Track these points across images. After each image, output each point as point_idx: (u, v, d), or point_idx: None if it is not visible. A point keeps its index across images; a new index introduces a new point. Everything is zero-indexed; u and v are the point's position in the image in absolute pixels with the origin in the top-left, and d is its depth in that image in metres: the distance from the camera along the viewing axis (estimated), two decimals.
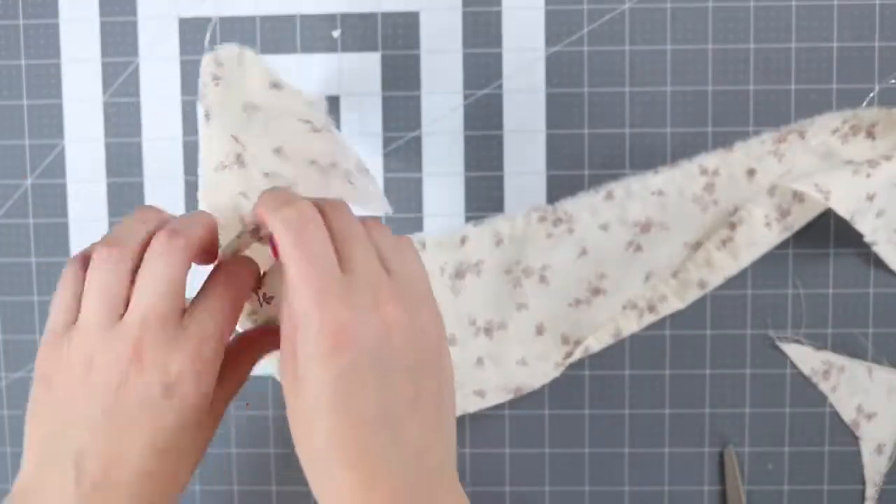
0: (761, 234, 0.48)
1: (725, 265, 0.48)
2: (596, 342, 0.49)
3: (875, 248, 0.47)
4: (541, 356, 0.49)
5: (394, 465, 0.29)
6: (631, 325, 0.49)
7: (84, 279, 0.31)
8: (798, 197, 0.47)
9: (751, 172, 0.48)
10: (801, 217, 0.48)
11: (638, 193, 0.48)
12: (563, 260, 0.48)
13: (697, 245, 0.49)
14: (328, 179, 0.38)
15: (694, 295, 0.49)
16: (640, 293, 0.49)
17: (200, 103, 0.37)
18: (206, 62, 0.38)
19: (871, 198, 0.46)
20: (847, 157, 0.48)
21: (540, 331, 0.49)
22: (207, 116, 0.36)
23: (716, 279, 0.48)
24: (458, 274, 0.48)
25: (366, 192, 0.40)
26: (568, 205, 0.48)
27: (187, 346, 0.30)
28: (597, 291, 0.48)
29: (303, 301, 0.28)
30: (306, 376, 0.28)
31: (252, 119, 0.38)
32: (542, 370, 0.49)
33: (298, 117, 0.39)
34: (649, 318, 0.49)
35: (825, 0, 0.48)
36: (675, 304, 0.49)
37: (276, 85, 0.39)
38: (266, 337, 0.35)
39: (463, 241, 0.48)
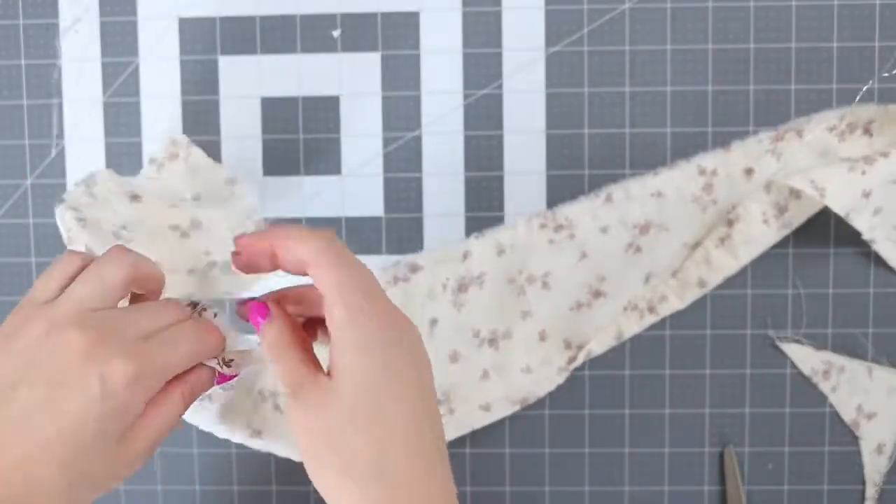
0: (759, 230, 0.48)
1: (724, 263, 0.48)
2: (598, 345, 0.49)
3: (874, 246, 0.47)
4: (544, 362, 0.49)
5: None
6: (632, 326, 0.49)
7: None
8: (795, 193, 0.47)
9: (749, 172, 0.48)
10: (799, 214, 0.48)
11: (637, 195, 0.48)
12: (564, 265, 0.48)
13: (697, 245, 0.49)
14: (211, 282, 0.40)
15: (694, 294, 0.49)
16: (641, 294, 0.48)
17: (73, 247, 0.38)
18: (61, 213, 0.38)
19: (866, 195, 0.46)
20: (845, 155, 0.48)
21: (543, 337, 0.49)
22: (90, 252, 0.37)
23: (715, 278, 0.48)
24: (461, 288, 0.48)
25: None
26: (568, 210, 0.48)
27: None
28: (597, 294, 0.48)
29: (357, 302, 0.30)
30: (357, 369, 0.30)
31: (138, 233, 0.38)
32: (545, 376, 0.49)
33: (167, 224, 0.40)
34: (650, 319, 0.49)
35: (825, 0, 0.48)
36: (675, 304, 0.49)
37: (135, 197, 0.40)
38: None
39: (465, 255, 0.48)
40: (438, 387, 0.48)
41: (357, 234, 0.50)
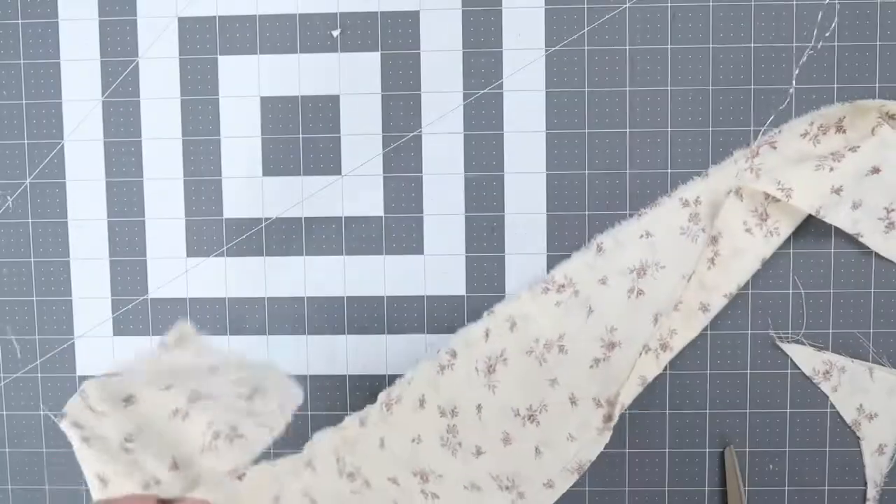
0: (744, 240, 0.47)
1: (720, 281, 0.48)
2: (626, 396, 0.48)
3: (862, 240, 0.47)
4: (582, 425, 0.48)
5: None
6: (651, 368, 0.48)
7: None
8: (771, 198, 0.47)
9: (738, 193, 0.48)
10: (784, 220, 0.48)
11: (626, 240, 0.48)
12: (575, 324, 0.48)
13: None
14: (218, 456, 0.39)
15: (700, 320, 0.48)
16: (651, 334, 0.48)
17: (85, 467, 0.38)
18: (66, 427, 0.38)
19: (837, 191, 0.46)
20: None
21: (573, 401, 0.48)
22: (102, 480, 0.37)
23: (715, 299, 0.48)
24: (489, 369, 0.48)
25: (276, 400, 0.40)
26: (565, 268, 0.48)
27: None
28: (611, 346, 0.48)
29: None
30: None
31: (143, 440, 0.38)
32: (589, 439, 0.48)
33: (166, 415, 0.39)
34: (666, 357, 0.48)
35: (826, 0, 0.48)
36: (686, 335, 0.48)
37: (128, 399, 0.39)
38: None
39: (487, 335, 0.48)
40: (502, 473, 0.48)
41: (357, 234, 0.50)
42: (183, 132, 0.50)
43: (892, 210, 0.47)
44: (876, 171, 0.46)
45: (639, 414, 0.50)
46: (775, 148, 0.48)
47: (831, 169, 0.46)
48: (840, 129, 0.47)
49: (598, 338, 0.48)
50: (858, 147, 0.46)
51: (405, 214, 0.50)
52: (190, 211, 0.50)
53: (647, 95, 0.49)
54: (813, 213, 0.46)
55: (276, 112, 0.50)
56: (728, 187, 0.48)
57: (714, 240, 0.47)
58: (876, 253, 0.48)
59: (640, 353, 0.48)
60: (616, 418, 0.48)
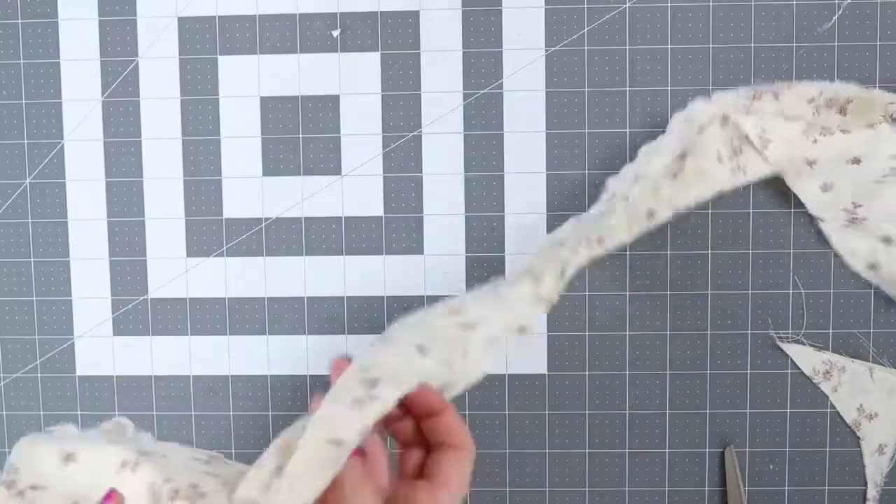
0: (711, 164, 0.45)
1: (674, 194, 0.44)
2: (556, 283, 0.42)
3: (821, 225, 0.47)
4: (517, 298, 0.41)
5: None
6: (582, 259, 0.42)
7: None
8: (748, 138, 0.45)
9: (725, 120, 0.45)
10: (753, 161, 0.46)
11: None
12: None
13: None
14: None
15: (642, 226, 0.44)
16: (592, 228, 0.44)
17: None
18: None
19: (811, 163, 0.46)
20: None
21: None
22: None
23: (664, 210, 0.44)
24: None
25: (237, 465, 0.38)
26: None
27: None
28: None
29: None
30: None
31: None
32: (527, 304, 0.41)
33: (114, 468, 0.37)
34: (597, 251, 0.43)
35: (827, 0, 0.48)
36: (621, 236, 0.43)
37: (69, 457, 0.35)
38: None
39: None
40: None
41: (357, 234, 0.50)
42: (183, 132, 0.50)
43: (860, 206, 0.47)
44: (857, 161, 0.46)
45: (639, 414, 0.50)
46: (778, 99, 0.47)
47: (815, 140, 0.45)
48: (843, 110, 0.47)
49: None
50: (850, 132, 0.46)
51: (405, 214, 0.50)
52: (190, 211, 0.50)
53: (647, 95, 0.49)
54: (776, 171, 0.45)
55: (276, 112, 0.50)
56: (723, 115, 0.45)
57: (682, 156, 0.45)
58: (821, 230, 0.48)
59: (580, 244, 0.43)
60: (551, 298, 0.41)
